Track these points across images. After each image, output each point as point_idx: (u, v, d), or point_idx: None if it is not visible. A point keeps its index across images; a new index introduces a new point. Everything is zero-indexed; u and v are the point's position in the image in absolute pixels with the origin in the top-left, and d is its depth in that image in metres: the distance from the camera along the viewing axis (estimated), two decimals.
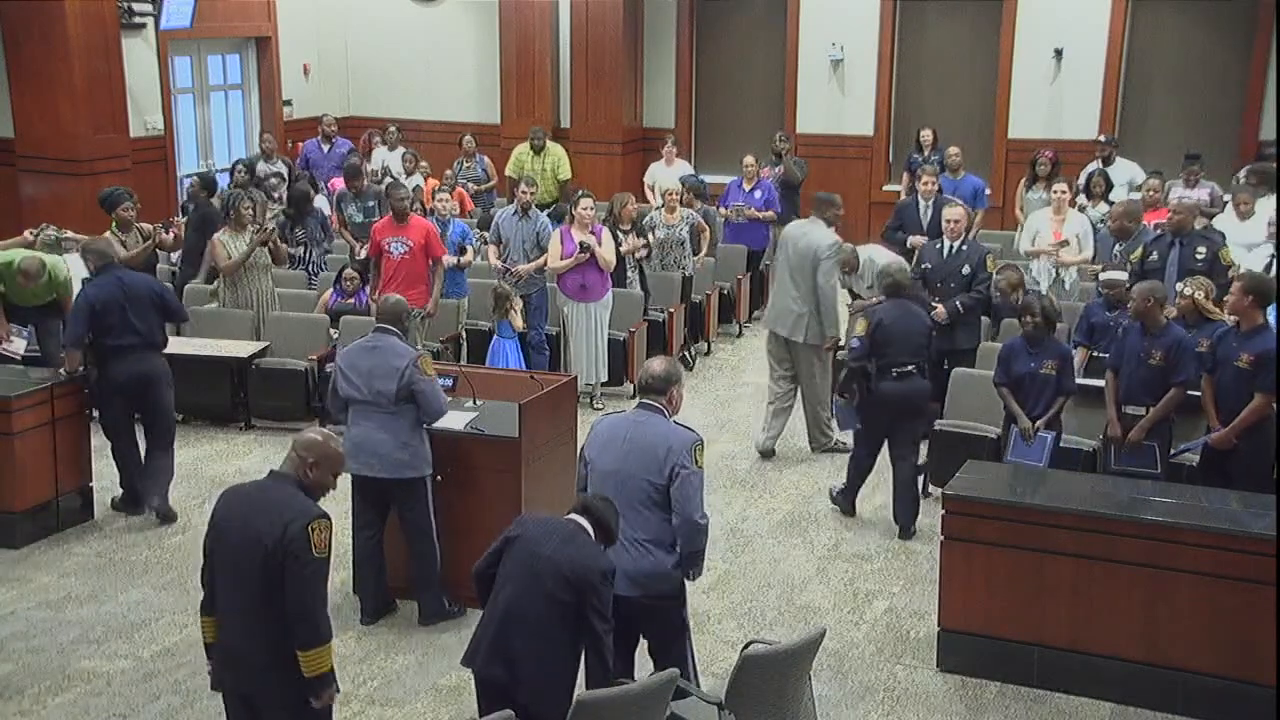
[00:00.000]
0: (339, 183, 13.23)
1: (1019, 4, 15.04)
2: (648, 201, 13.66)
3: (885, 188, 15.80)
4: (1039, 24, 14.97)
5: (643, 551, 5.32)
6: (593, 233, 10.32)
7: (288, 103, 16.55)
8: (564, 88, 16.46)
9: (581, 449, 5.62)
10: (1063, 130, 15.05)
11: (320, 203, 12.54)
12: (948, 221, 9.50)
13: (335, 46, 17.39)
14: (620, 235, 10.99)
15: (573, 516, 5.10)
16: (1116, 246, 9.78)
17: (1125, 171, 12.84)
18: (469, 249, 10.98)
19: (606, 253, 10.34)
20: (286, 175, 13.57)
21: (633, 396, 10.74)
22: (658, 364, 5.59)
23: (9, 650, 6.65)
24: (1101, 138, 13.40)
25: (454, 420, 7.03)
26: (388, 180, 12.68)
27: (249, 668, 4.65)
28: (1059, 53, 14.90)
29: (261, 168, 13.53)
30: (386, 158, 14.39)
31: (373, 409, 6.66)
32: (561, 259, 10.28)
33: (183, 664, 6.53)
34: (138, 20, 14.09)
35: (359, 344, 6.88)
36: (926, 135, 14.79)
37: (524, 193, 10.70)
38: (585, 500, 5.21)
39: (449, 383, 7.17)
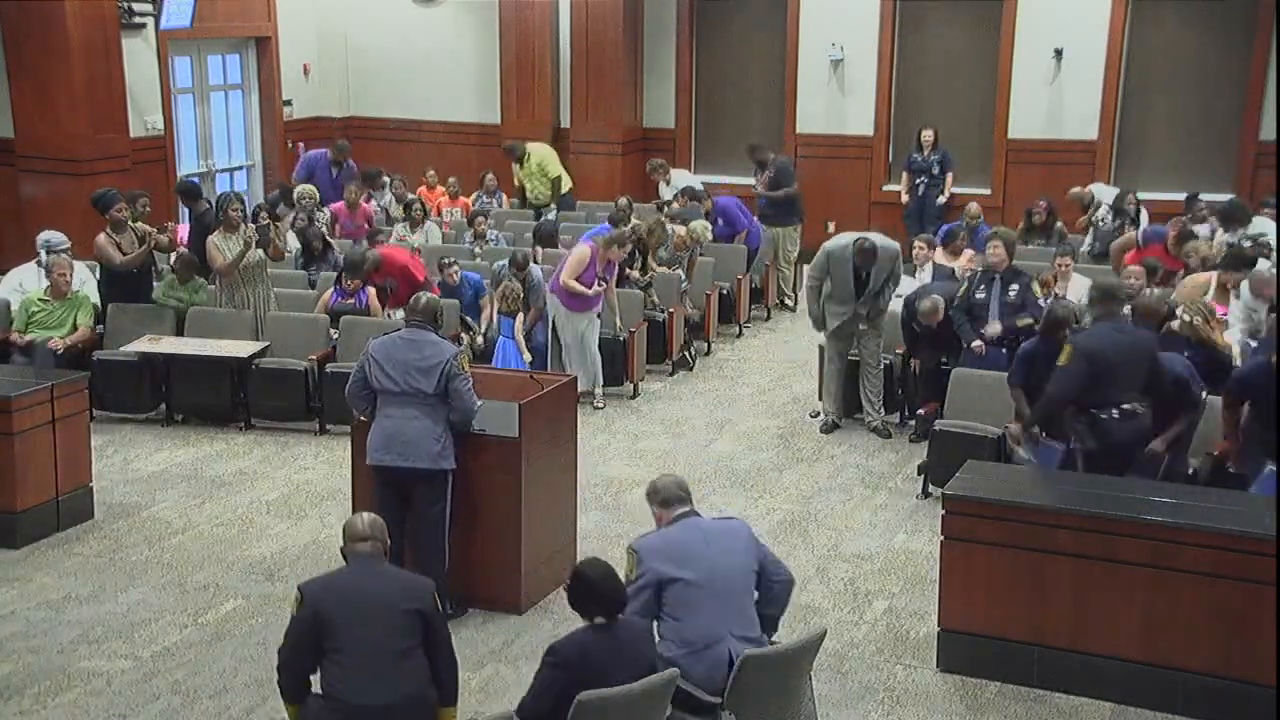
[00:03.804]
0: (340, 208, 13.26)
1: (1019, 4, 15.04)
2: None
3: (885, 188, 15.81)
4: (1039, 24, 14.96)
5: (755, 642, 5.29)
6: (605, 279, 10.48)
7: (288, 103, 16.55)
8: (564, 88, 16.46)
9: (641, 578, 5.24)
10: (1063, 130, 15.07)
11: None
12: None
13: (335, 46, 17.38)
14: (638, 255, 11.44)
15: (615, 621, 4.93)
16: None
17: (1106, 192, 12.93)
18: (486, 305, 11.11)
19: (613, 297, 10.74)
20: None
21: (633, 396, 10.90)
22: (678, 479, 5.60)
23: (9, 650, 6.65)
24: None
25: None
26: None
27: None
28: (1059, 53, 14.89)
29: (303, 189, 13.55)
30: (380, 200, 14.36)
31: (407, 400, 6.66)
32: (580, 277, 10.32)
33: (183, 664, 6.53)
34: (138, 20, 14.08)
35: (395, 336, 6.86)
36: (927, 135, 14.83)
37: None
38: (593, 597, 4.93)
39: None
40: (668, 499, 5.48)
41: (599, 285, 10.34)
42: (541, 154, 14.78)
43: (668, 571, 5.22)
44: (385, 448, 6.68)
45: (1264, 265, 9.41)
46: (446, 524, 6.80)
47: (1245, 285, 8.92)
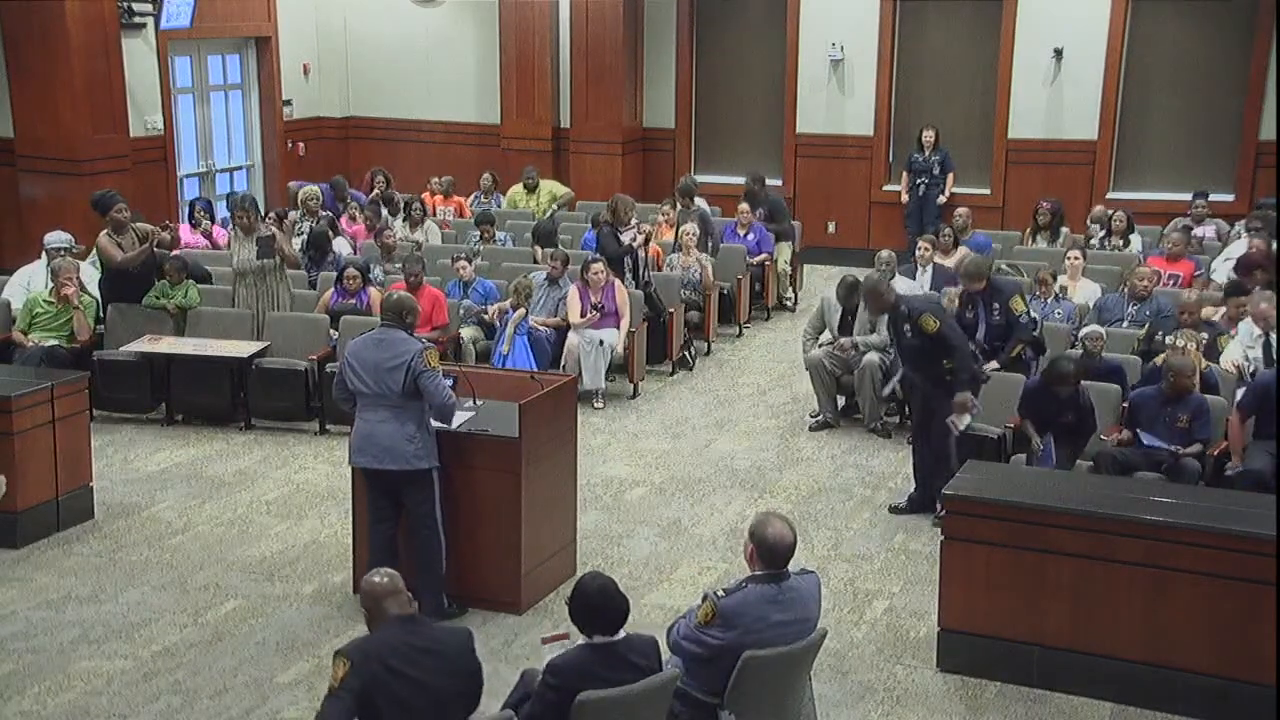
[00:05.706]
0: (359, 230, 13.24)
1: (1019, 4, 15.04)
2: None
3: (885, 188, 15.81)
4: (1039, 24, 14.97)
5: None
6: (600, 305, 10.56)
7: (288, 103, 16.55)
8: (564, 88, 16.46)
9: (715, 638, 5.01)
10: (1063, 130, 15.07)
11: (340, 245, 12.45)
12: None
13: (335, 46, 17.39)
14: (620, 233, 11.32)
15: (619, 637, 4.81)
16: (1131, 307, 9.86)
17: None
18: (493, 308, 11.07)
19: (623, 319, 10.73)
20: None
21: (633, 396, 10.90)
22: (789, 532, 5.17)
23: (9, 650, 6.65)
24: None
25: (454, 419, 7.01)
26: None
27: None
28: (1059, 53, 14.89)
29: (308, 190, 13.51)
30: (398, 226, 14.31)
31: (379, 401, 6.66)
32: (581, 315, 10.59)
33: (183, 664, 6.53)
34: (138, 20, 14.08)
35: (365, 337, 6.86)
36: (928, 136, 14.84)
37: (553, 266, 10.95)
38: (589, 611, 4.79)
39: (449, 381, 7.15)
40: (766, 555, 5.12)
41: (592, 313, 10.53)
42: (548, 185, 15.13)
43: (744, 645, 4.99)
44: (362, 450, 6.72)
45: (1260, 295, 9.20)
46: (438, 522, 6.78)
47: (1248, 319, 8.94)
